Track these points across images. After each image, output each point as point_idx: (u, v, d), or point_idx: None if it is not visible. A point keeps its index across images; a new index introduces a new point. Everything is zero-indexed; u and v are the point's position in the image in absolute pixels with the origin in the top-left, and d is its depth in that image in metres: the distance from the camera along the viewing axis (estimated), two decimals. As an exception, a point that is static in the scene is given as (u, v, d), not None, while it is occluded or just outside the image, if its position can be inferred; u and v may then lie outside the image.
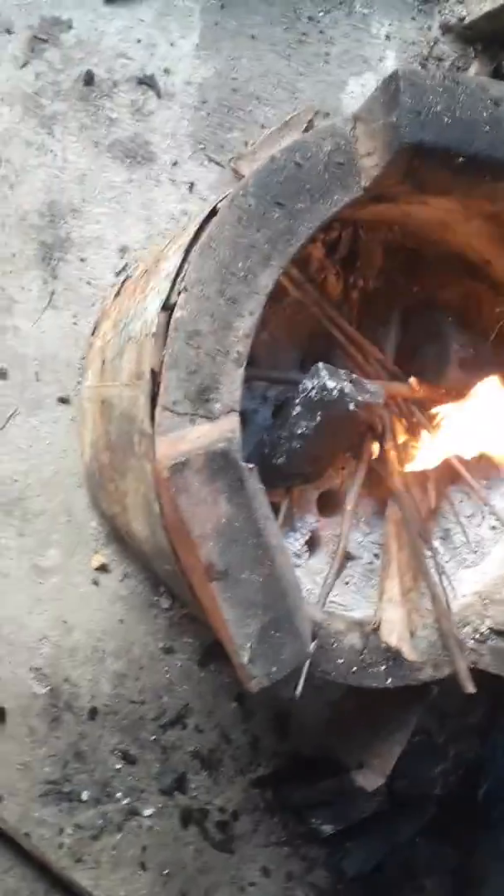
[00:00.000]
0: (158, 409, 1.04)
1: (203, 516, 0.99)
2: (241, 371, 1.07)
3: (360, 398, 1.19)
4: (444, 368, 1.35)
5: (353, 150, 1.09)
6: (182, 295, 1.06)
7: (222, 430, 1.04)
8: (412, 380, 1.34)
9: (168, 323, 1.06)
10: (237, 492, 1.00)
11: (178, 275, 1.10)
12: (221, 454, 0.99)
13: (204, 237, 1.07)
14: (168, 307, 1.09)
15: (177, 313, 1.05)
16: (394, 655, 1.22)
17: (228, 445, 1.00)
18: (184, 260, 1.10)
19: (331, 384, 1.20)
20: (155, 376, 1.07)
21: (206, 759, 1.64)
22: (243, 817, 1.67)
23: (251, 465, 1.03)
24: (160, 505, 1.09)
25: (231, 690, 1.65)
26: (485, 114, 1.06)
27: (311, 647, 1.09)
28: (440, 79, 1.04)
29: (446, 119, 1.04)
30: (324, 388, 1.20)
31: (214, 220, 1.08)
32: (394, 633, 1.21)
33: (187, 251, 1.10)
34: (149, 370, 1.08)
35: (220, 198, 1.13)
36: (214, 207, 1.11)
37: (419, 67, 1.70)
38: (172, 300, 1.08)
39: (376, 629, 1.22)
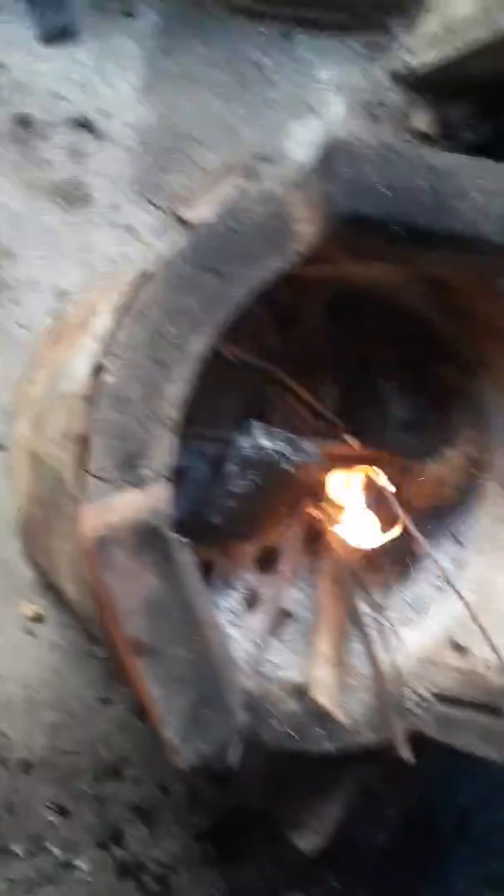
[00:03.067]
0: (86, 476, 1.02)
1: (129, 591, 0.96)
2: (172, 437, 1.05)
3: (295, 458, 1.18)
4: (383, 429, 1.34)
5: (289, 217, 1.07)
6: (112, 359, 1.03)
7: (152, 499, 1.01)
8: (350, 439, 1.32)
9: (97, 387, 1.04)
10: (165, 565, 0.98)
11: (108, 337, 1.08)
12: (149, 527, 0.97)
13: (136, 301, 1.05)
14: (98, 371, 1.06)
15: (106, 378, 1.03)
16: (328, 717, 1.20)
17: (157, 517, 0.98)
18: (115, 322, 1.08)
19: (266, 443, 1.18)
20: (84, 441, 1.05)
21: (144, 811, 1.61)
22: (181, 870, 1.64)
23: (181, 537, 1.00)
24: (88, 573, 1.06)
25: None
26: (422, 184, 1.05)
27: (243, 720, 1.07)
28: (377, 148, 1.03)
29: (383, 189, 1.03)
30: (258, 447, 1.18)
31: (146, 283, 1.05)
32: (324, 693, 1.19)
33: (119, 314, 1.08)
34: (78, 434, 1.06)
35: (153, 260, 1.11)
36: (147, 270, 1.09)
37: (365, 116, 1.69)
38: (103, 364, 1.06)
39: (307, 689, 1.20)
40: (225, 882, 1.67)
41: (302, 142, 1.66)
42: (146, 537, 0.97)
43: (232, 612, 1.35)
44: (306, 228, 1.07)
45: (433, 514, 1.42)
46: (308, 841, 1.41)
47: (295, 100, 1.66)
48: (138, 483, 1.03)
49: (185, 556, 1.01)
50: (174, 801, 1.63)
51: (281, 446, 1.17)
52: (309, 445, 1.21)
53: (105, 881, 1.59)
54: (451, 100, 1.70)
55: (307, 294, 1.37)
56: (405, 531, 1.34)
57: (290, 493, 1.28)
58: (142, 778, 1.61)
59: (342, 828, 1.49)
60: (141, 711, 1.58)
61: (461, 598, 1.30)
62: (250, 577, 1.37)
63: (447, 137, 1.71)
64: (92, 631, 1.48)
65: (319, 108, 1.68)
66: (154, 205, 1.59)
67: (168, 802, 1.63)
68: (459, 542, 1.45)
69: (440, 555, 1.45)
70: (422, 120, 1.71)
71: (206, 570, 1.30)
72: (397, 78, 1.70)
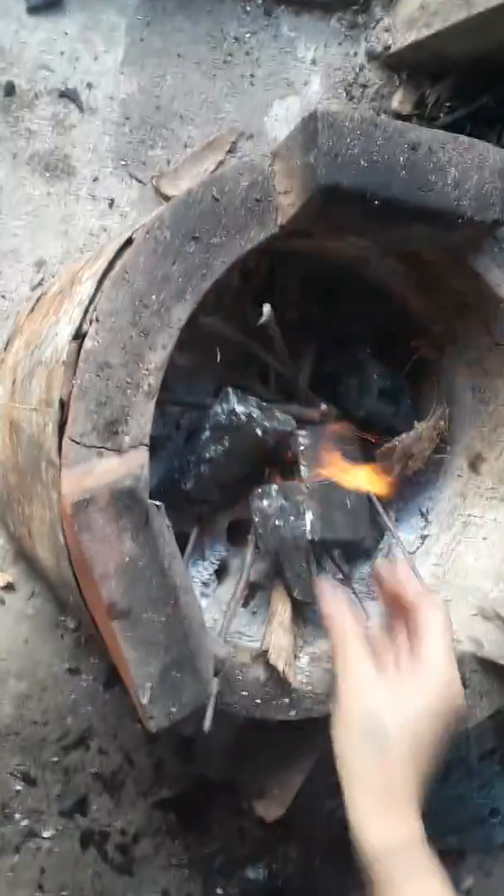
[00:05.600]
0: (65, 441, 1.02)
1: (106, 555, 0.97)
2: (151, 404, 1.06)
3: (268, 424, 1.20)
4: (363, 398, 1.36)
5: (271, 188, 1.09)
6: (93, 325, 1.04)
7: (130, 465, 1.02)
8: (323, 406, 1.34)
9: (78, 352, 1.04)
10: (142, 530, 0.99)
11: (90, 303, 1.08)
12: (127, 492, 0.98)
13: (118, 267, 1.05)
14: (79, 336, 1.07)
15: (87, 343, 1.03)
16: (283, 681, 1.21)
17: (135, 483, 0.99)
18: (97, 289, 1.08)
19: (240, 409, 1.20)
20: (64, 406, 1.05)
21: (109, 781, 1.62)
22: (144, 840, 1.66)
23: (158, 503, 1.01)
24: (65, 538, 1.07)
25: (136, 712, 1.63)
26: (401, 158, 1.06)
27: (214, 686, 1.08)
28: (359, 121, 1.03)
29: (363, 162, 1.04)
30: (233, 412, 1.20)
31: (129, 249, 1.06)
32: (281, 658, 1.20)
33: (101, 280, 1.08)
34: (58, 399, 1.06)
35: (136, 227, 1.12)
36: (130, 237, 1.09)
37: (343, 96, 1.70)
38: (84, 329, 1.06)
39: (265, 653, 1.21)
40: (187, 853, 1.69)
41: (281, 119, 1.67)
42: (124, 502, 0.98)
43: (203, 582, 1.37)
44: (287, 199, 1.08)
45: (401, 488, 1.43)
46: (269, 810, 1.43)
47: (276, 77, 1.66)
48: (118, 449, 1.04)
49: (162, 522, 1.02)
50: (139, 772, 1.64)
51: (256, 413, 1.19)
52: (283, 414, 1.23)
53: (69, 850, 1.60)
54: (428, 81, 1.72)
55: (285, 268, 1.38)
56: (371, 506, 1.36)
57: (263, 461, 1.30)
58: (107, 748, 1.62)
59: (301, 797, 1.51)
60: (108, 682, 1.60)
61: (417, 575, 1.32)
62: (223, 548, 1.39)
63: (423, 118, 1.72)
64: (63, 600, 1.48)
65: (299, 86, 1.68)
66: (136, 179, 1.59)
67: (132, 773, 1.64)
68: (425, 517, 1.48)
69: (408, 529, 1.47)
70: (398, 100, 1.72)
71: (180, 541, 1.31)
72: (375, 58, 1.71)
